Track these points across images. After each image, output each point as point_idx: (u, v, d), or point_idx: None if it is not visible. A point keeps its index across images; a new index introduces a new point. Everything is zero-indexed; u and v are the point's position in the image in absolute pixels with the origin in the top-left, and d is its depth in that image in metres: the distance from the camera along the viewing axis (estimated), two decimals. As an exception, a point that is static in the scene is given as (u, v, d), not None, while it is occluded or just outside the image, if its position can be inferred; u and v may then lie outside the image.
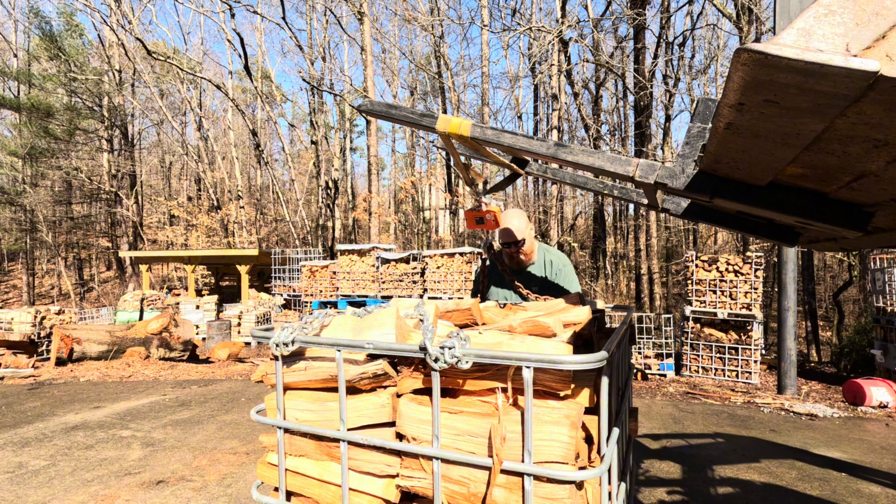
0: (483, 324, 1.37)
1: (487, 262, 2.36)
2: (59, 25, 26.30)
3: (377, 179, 18.77)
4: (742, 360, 7.80)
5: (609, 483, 0.96)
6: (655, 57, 16.76)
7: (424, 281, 11.48)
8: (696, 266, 8.25)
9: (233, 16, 21.02)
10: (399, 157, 37.24)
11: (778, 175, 0.94)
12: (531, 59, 17.18)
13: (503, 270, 2.35)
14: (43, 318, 11.93)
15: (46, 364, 8.58)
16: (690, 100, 19.43)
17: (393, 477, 1.02)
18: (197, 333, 13.41)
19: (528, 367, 0.85)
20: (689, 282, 8.26)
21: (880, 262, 8.28)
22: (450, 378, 1.00)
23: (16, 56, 27.25)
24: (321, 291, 13.24)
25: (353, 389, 1.05)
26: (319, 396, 1.09)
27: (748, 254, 8.01)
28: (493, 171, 17.54)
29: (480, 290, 2.38)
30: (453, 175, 21.59)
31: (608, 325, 1.78)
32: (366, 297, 12.26)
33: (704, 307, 8.11)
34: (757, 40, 11.54)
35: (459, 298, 1.95)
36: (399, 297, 11.43)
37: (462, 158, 1.70)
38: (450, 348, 0.89)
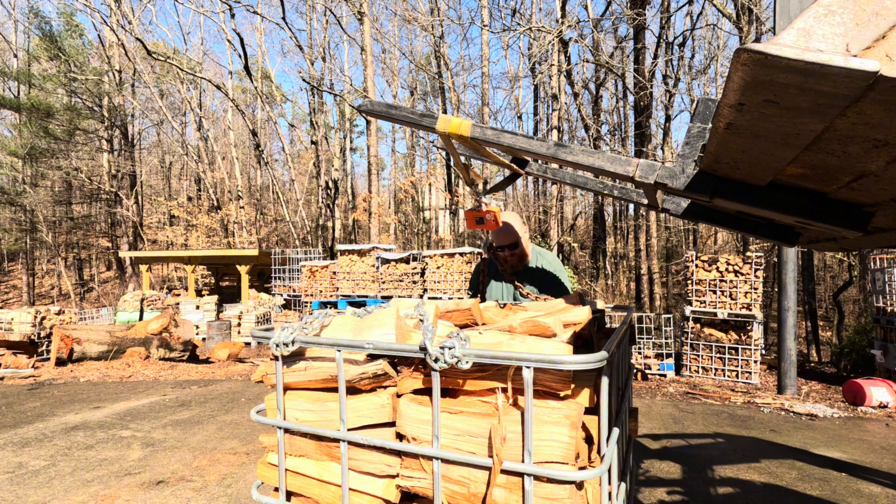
0: (483, 324, 1.37)
1: (488, 261, 2.36)
2: (59, 25, 26.32)
3: (377, 179, 18.77)
4: (742, 360, 7.80)
5: (609, 483, 0.96)
6: (655, 57, 16.77)
7: (424, 281, 11.48)
8: (696, 266, 8.25)
9: (233, 16, 21.03)
10: (399, 157, 37.25)
11: (778, 175, 0.94)
12: (531, 59, 17.18)
13: (503, 270, 2.35)
14: (43, 318, 11.93)
15: (46, 364, 8.58)
16: (690, 100, 19.44)
17: (393, 477, 1.02)
18: (197, 334, 13.42)
19: (528, 367, 0.85)
20: (689, 282, 8.26)
21: (880, 262, 8.28)
22: (450, 378, 1.00)
23: (16, 56, 27.26)
24: (321, 292, 13.24)
25: (353, 389, 1.05)
26: (319, 396, 1.09)
27: (748, 254, 8.01)
28: (493, 171, 17.54)
29: (480, 290, 2.38)
30: (453, 175, 21.59)
31: (608, 325, 1.78)
32: (366, 297, 12.26)
33: (704, 307, 8.11)
34: (757, 40, 11.54)
35: (459, 298, 1.95)
36: (399, 297, 11.43)
37: (462, 158, 1.70)
38: (450, 348, 0.89)
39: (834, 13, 0.53)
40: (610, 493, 0.97)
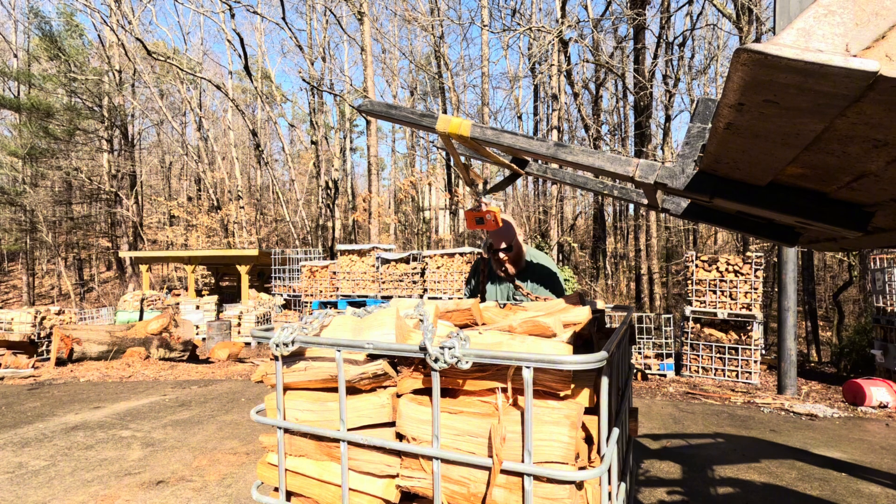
0: (483, 324, 1.37)
1: (487, 261, 2.36)
2: (59, 26, 26.33)
3: (377, 179, 18.77)
4: (742, 360, 7.80)
5: (609, 483, 0.96)
6: (655, 57, 16.77)
7: (424, 281, 11.49)
8: (696, 266, 8.25)
9: (233, 16, 21.03)
10: (399, 157, 37.24)
11: (778, 175, 0.94)
12: (531, 59, 17.18)
13: (502, 271, 2.35)
14: (43, 318, 11.93)
15: (46, 364, 8.58)
16: (690, 100, 19.44)
17: (393, 477, 1.02)
18: (197, 334, 13.42)
19: (527, 368, 0.85)
20: (689, 282, 8.26)
21: (880, 262, 8.28)
22: (450, 378, 1.00)
23: (16, 56, 27.25)
24: (321, 292, 13.24)
25: (353, 389, 1.05)
26: (319, 396, 1.09)
27: (748, 254, 8.01)
28: (493, 171, 17.54)
29: (480, 289, 2.38)
30: (453, 175, 21.59)
31: (608, 326, 1.78)
32: (366, 297, 12.26)
33: (704, 307, 8.11)
34: (757, 40, 11.54)
35: (459, 298, 1.95)
36: (399, 297, 11.43)
37: (462, 158, 1.70)
38: (450, 348, 0.89)
39: (834, 13, 0.53)
40: (610, 493, 0.97)
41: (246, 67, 20.75)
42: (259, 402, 3.37)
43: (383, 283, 12.11)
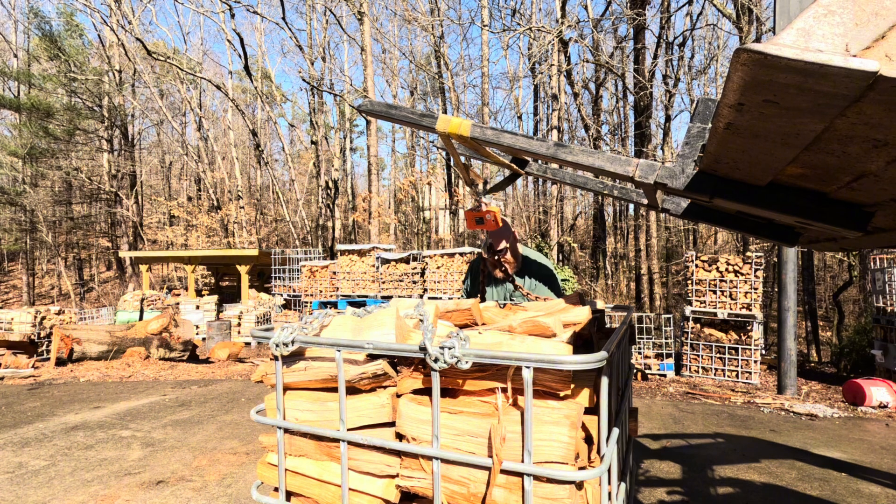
0: (483, 324, 1.37)
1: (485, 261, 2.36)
2: (59, 25, 26.33)
3: (377, 179, 18.77)
4: (742, 360, 7.80)
5: (609, 483, 0.96)
6: (655, 57, 16.76)
7: (424, 281, 11.49)
8: (696, 266, 8.25)
9: (233, 16, 21.03)
10: (399, 157, 37.23)
11: (778, 175, 0.94)
12: (531, 59, 17.19)
13: (500, 272, 2.35)
14: (43, 318, 11.93)
15: (46, 364, 8.58)
16: (690, 100, 19.44)
17: (393, 477, 1.02)
18: (197, 333, 13.41)
19: (527, 368, 0.85)
20: (689, 282, 8.26)
21: (880, 262, 8.28)
22: (450, 378, 1.00)
23: (16, 56, 27.25)
24: (321, 291, 13.24)
25: (352, 389, 1.05)
26: (319, 396, 1.09)
27: (748, 254, 8.01)
28: (493, 171, 17.54)
29: (480, 289, 2.38)
30: (453, 175, 21.59)
31: (608, 325, 1.78)
32: (366, 297, 12.26)
33: (704, 307, 8.11)
34: (757, 40, 11.54)
35: (459, 298, 1.95)
36: (399, 297, 11.43)
37: (462, 158, 1.70)
38: (450, 348, 0.89)
39: (833, 13, 0.53)
40: (610, 493, 0.97)
41: (246, 67, 20.75)
42: (259, 401, 3.37)
43: (383, 283, 12.11)
